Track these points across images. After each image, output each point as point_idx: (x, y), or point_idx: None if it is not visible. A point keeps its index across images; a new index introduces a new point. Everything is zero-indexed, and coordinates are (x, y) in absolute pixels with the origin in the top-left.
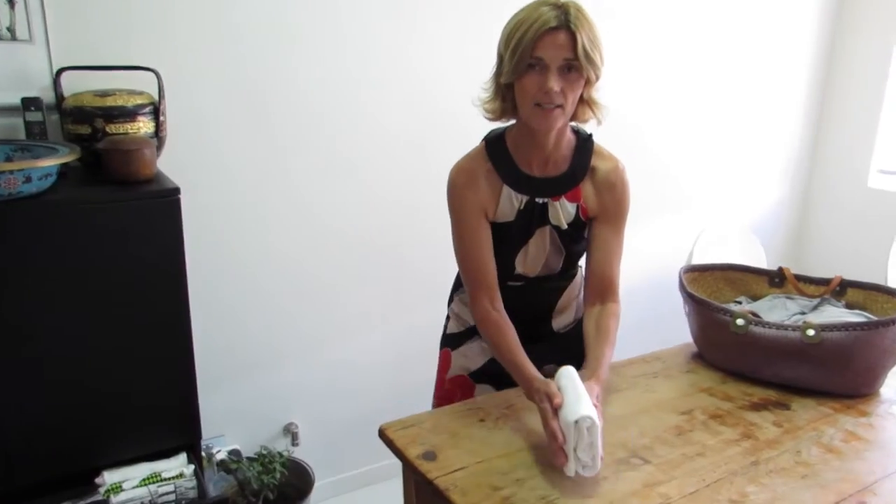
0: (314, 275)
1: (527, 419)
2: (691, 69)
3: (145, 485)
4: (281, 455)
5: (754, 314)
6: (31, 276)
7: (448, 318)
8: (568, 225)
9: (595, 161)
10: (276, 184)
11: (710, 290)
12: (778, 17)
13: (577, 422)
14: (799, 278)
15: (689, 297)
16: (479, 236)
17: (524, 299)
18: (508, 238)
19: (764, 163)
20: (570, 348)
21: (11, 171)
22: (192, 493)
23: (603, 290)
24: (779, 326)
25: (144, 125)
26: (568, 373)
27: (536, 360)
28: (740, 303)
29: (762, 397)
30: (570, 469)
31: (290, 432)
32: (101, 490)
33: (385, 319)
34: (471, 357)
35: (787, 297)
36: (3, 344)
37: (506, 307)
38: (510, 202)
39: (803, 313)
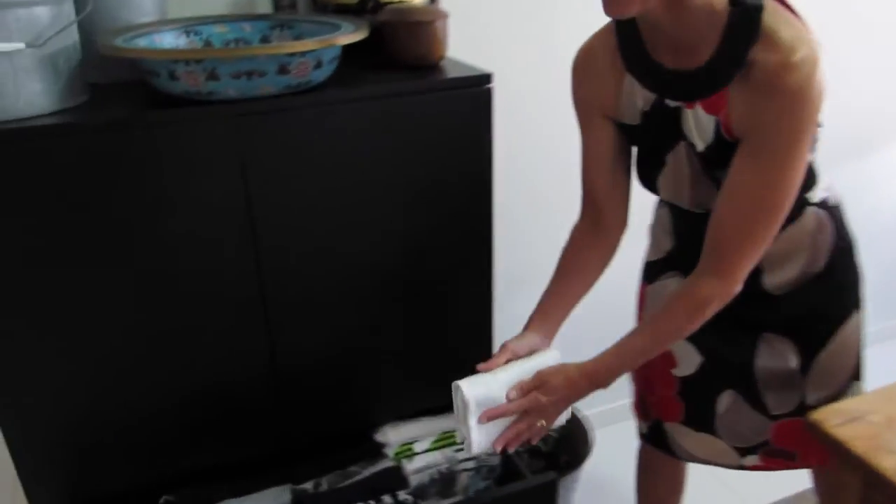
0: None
1: None
2: None
3: (437, 447)
4: None
5: None
6: (314, 182)
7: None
8: (706, 147)
9: (758, 52)
10: (547, 65)
11: None
12: None
13: (456, 389)
14: None
15: None
16: (588, 139)
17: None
18: (642, 148)
19: None
20: (793, 319)
21: (303, 53)
22: (495, 461)
23: (710, 256)
24: None
25: None
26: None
27: (746, 336)
28: None
29: None
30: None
31: None
32: (389, 453)
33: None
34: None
35: None
36: (281, 258)
37: (690, 242)
38: (631, 99)
39: None
